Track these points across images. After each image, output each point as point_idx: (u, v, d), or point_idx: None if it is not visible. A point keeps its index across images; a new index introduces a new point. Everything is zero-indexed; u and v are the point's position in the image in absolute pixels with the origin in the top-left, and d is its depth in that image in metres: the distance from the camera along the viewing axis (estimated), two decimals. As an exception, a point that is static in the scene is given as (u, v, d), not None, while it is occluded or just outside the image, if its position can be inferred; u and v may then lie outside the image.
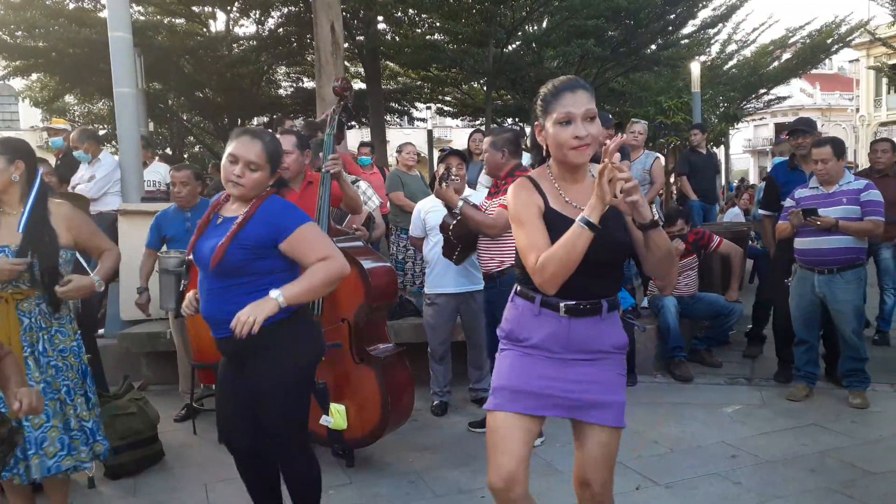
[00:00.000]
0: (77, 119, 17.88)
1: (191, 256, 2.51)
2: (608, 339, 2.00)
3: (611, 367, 2.01)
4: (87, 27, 11.26)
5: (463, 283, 4.24)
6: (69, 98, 16.45)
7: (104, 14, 11.74)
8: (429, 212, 4.34)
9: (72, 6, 12.49)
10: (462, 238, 3.80)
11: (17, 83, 15.69)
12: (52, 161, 6.95)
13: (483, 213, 3.72)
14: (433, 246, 4.28)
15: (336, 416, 3.32)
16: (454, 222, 3.75)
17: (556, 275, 1.83)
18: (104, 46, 6.63)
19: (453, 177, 3.63)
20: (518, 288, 2.06)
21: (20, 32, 11.61)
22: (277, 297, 2.23)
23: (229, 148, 2.43)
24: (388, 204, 6.02)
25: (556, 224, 1.90)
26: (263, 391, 2.45)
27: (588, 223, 1.77)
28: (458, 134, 35.56)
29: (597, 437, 1.99)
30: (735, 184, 20.81)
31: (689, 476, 3.37)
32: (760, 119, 36.86)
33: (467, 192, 4.19)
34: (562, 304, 1.94)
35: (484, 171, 4.02)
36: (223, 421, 2.62)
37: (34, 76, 14.36)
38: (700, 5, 14.45)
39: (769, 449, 3.69)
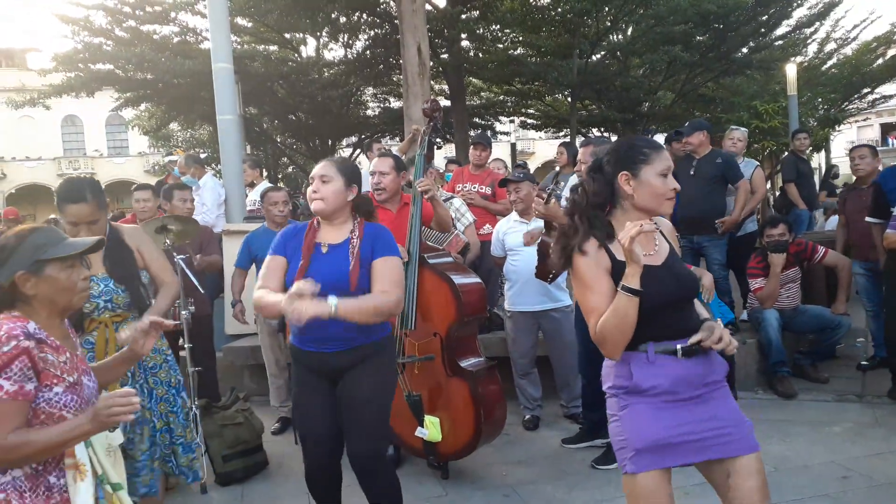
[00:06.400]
0: (180, 144, 19.00)
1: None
2: (717, 367, 2.03)
3: (725, 394, 2.04)
4: (190, 59, 11.99)
5: (543, 301, 4.26)
6: (173, 125, 17.51)
7: (205, 45, 12.52)
8: (506, 232, 4.38)
9: (176, 40, 13.31)
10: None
11: (127, 113, 16.85)
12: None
13: None
14: (511, 264, 4.34)
15: (431, 428, 3.38)
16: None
17: (617, 343, 1.93)
18: (205, 76, 7.04)
19: (558, 192, 3.62)
20: None
21: (130, 66, 12.48)
22: (334, 304, 2.31)
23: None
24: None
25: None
26: (364, 404, 2.59)
27: (629, 290, 1.86)
28: (540, 146, 35.35)
29: (749, 468, 1.96)
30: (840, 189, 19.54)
31: (796, 497, 3.23)
32: (864, 120, 34.71)
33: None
34: (678, 347, 1.96)
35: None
36: (315, 430, 2.67)
37: (142, 106, 15.39)
38: (795, 4, 13.82)
39: (885, 471, 3.48)
